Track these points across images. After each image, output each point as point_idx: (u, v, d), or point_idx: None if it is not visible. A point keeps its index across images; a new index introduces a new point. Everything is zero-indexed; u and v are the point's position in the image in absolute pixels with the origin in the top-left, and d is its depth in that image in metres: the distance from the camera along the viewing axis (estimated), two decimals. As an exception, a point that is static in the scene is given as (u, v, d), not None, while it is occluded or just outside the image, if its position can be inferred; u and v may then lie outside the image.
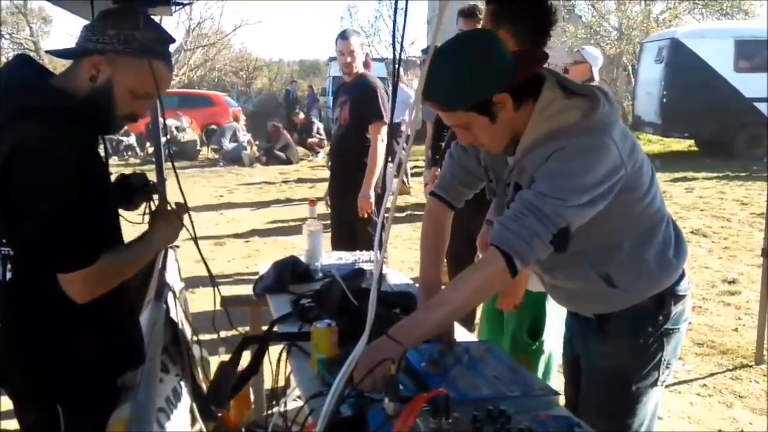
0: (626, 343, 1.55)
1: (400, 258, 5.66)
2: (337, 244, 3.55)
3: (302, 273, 2.15)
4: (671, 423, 2.89)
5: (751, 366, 3.47)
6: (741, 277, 4.96)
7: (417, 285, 2.64)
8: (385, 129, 3.57)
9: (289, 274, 2.09)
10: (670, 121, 11.70)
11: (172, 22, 21.04)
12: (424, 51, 4.41)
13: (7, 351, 1.39)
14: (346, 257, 2.56)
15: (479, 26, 2.75)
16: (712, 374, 3.38)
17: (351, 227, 3.60)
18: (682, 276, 1.57)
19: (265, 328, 1.89)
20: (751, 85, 10.54)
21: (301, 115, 12.59)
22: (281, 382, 1.80)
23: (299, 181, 10.22)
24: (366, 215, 3.52)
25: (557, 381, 2.33)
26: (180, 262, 2.49)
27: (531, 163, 1.38)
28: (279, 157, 11.90)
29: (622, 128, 1.42)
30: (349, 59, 3.57)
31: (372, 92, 3.56)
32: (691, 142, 12.86)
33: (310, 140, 12.79)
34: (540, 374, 2.28)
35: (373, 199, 3.52)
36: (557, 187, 1.31)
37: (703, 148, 12.29)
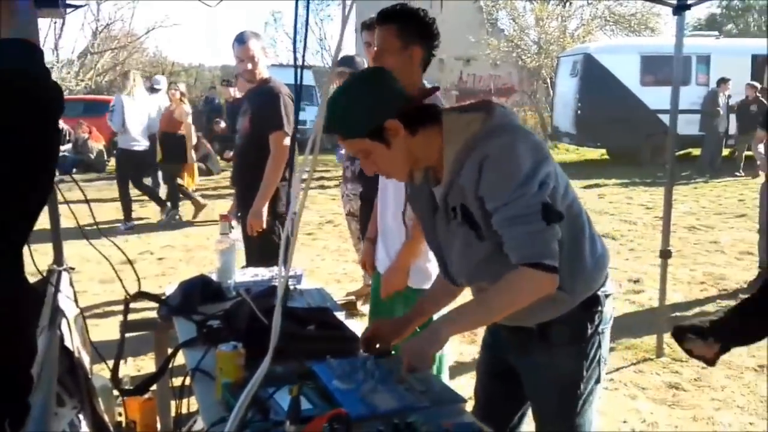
0: (571, 349, 1.60)
1: (328, 270, 5.64)
2: (250, 261, 3.33)
3: (213, 293, 2.10)
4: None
5: (652, 359, 3.69)
6: (644, 276, 5.27)
7: (337, 301, 2.66)
8: (286, 140, 3.26)
9: (198, 294, 2.03)
10: (584, 131, 12.29)
11: (76, 24, 20.18)
12: (341, 62, 4.32)
13: None
14: (262, 274, 2.47)
15: None
16: (618, 369, 3.57)
17: (262, 242, 3.33)
18: (607, 275, 1.65)
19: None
20: (655, 97, 11.19)
21: (222, 124, 12.06)
22: (191, 408, 1.75)
23: (218, 194, 9.74)
24: (255, 233, 3.27)
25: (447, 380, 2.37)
26: (84, 284, 2.35)
27: (466, 179, 1.46)
28: (198, 168, 11.44)
29: (523, 127, 1.54)
30: (249, 65, 3.31)
31: (273, 99, 3.27)
32: (603, 151, 13.54)
33: (232, 151, 12.37)
34: (434, 369, 2.35)
35: (265, 216, 3.27)
36: (507, 192, 1.40)
37: (614, 156, 12.98)
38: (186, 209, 7.98)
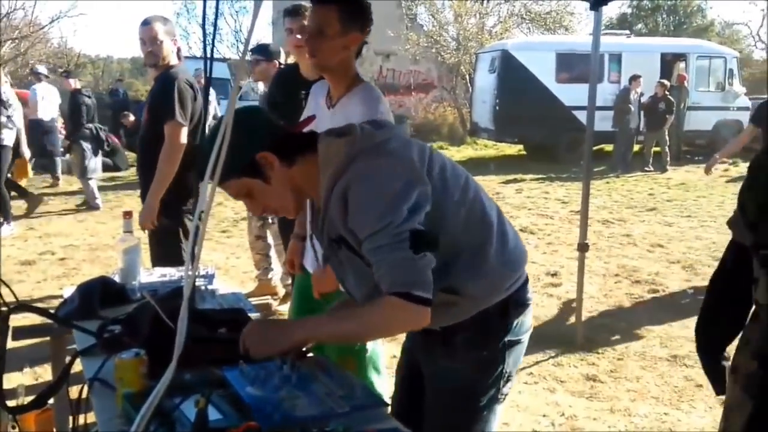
0: (472, 356, 1.51)
1: (242, 269, 5.47)
2: (156, 261, 3.11)
3: (115, 295, 1.94)
4: (502, 413, 3.04)
5: (570, 352, 3.78)
6: (562, 270, 5.42)
7: (252, 300, 2.55)
8: (182, 131, 3.02)
9: (98, 297, 1.87)
10: (502, 127, 12.59)
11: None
12: (254, 50, 4.21)
13: None
14: (170, 274, 2.32)
15: (305, 23, 2.67)
16: (537, 362, 3.62)
17: (164, 244, 3.15)
18: (526, 282, 1.55)
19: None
20: (569, 94, 11.61)
21: (131, 117, 11.45)
22: (92, 420, 1.61)
23: (127, 187, 9.12)
24: (146, 230, 3.07)
25: (387, 379, 2.36)
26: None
27: (333, 210, 1.38)
28: (105, 163, 10.76)
29: (403, 140, 1.45)
30: (151, 48, 3.06)
31: (168, 86, 3.02)
32: (521, 146, 13.95)
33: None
34: (370, 374, 2.30)
35: (156, 211, 3.04)
36: (374, 220, 1.30)
37: (531, 152, 13.39)
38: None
